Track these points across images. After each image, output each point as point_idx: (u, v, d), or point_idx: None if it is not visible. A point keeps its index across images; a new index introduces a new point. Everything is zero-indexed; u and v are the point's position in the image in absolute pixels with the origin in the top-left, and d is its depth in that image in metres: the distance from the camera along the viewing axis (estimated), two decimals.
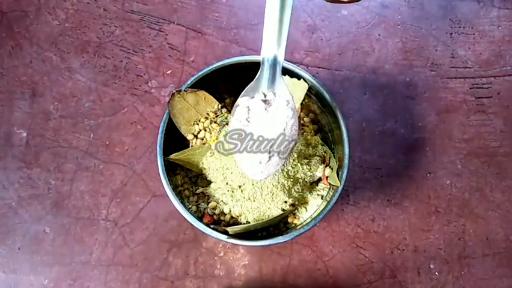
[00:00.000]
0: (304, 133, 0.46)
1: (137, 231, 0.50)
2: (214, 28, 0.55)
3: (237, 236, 0.40)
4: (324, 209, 0.41)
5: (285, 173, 0.40)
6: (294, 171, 0.41)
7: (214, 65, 0.43)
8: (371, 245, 0.50)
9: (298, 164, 0.41)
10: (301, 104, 0.46)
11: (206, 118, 0.45)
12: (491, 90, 0.54)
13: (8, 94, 0.54)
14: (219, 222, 0.43)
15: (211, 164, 0.43)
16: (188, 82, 0.43)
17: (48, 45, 0.55)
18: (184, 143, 0.45)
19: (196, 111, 0.44)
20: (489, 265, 0.50)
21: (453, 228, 0.51)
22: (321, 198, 0.44)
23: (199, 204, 0.44)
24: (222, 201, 0.43)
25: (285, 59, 0.38)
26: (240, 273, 0.50)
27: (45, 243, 0.50)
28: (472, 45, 0.55)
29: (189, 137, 0.44)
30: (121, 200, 0.51)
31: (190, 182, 0.45)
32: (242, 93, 0.39)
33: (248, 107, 0.39)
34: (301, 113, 0.47)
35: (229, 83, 0.44)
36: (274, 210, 0.42)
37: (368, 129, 0.53)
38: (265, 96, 0.39)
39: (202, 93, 0.43)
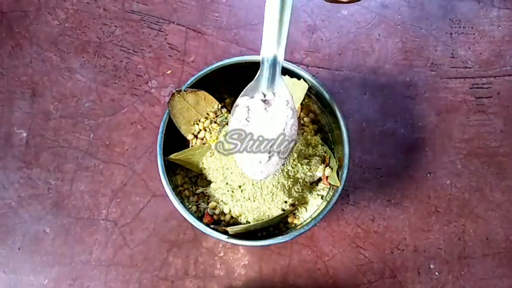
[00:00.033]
0: (304, 133, 0.46)
1: (137, 231, 0.50)
2: (214, 28, 0.55)
3: (237, 236, 0.40)
4: (324, 209, 0.41)
5: (285, 173, 0.40)
6: (294, 171, 0.41)
7: (214, 65, 0.43)
8: (371, 245, 0.50)
9: (298, 164, 0.41)
10: (301, 104, 0.46)
11: (206, 118, 0.44)
12: (491, 90, 0.54)
13: (8, 94, 0.54)
14: (219, 222, 0.43)
15: (211, 164, 0.43)
16: (188, 82, 0.43)
17: (48, 45, 0.55)
18: (184, 143, 0.45)
19: (196, 111, 0.44)
20: (489, 265, 0.50)
21: (453, 228, 0.51)
22: (321, 198, 0.44)
23: (199, 204, 0.44)
24: (222, 201, 0.43)
25: (285, 59, 0.38)
26: (240, 273, 0.50)
27: (45, 243, 0.50)
28: (472, 45, 0.55)
29: (189, 137, 0.44)
30: (121, 200, 0.51)
31: (190, 182, 0.45)
32: (242, 93, 0.39)
33: (248, 106, 0.39)
34: (301, 113, 0.47)
35: (229, 83, 0.44)
36: (274, 210, 0.42)
37: (368, 129, 0.53)
38: (265, 96, 0.39)
39: (202, 93, 0.43)
